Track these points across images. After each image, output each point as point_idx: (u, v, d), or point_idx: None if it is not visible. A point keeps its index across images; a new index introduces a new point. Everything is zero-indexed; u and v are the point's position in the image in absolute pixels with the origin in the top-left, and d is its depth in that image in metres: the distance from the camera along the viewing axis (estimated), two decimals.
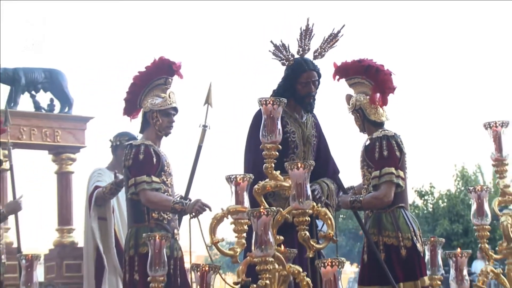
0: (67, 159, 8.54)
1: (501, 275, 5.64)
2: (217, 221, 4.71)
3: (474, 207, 5.75)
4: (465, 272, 5.64)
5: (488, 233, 5.74)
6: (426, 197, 28.08)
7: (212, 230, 4.71)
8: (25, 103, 8.49)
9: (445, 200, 28.49)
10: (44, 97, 8.65)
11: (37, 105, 8.60)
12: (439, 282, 6.12)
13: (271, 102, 4.69)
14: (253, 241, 4.48)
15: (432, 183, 28.70)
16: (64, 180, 8.55)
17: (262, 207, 4.56)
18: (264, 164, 4.74)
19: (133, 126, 7.12)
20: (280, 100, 4.74)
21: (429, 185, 28.42)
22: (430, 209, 27.68)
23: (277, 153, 4.73)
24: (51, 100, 8.67)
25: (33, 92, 8.57)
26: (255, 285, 4.50)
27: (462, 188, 28.67)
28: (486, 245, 5.68)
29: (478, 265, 9.97)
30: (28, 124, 8.29)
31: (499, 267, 5.85)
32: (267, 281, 4.45)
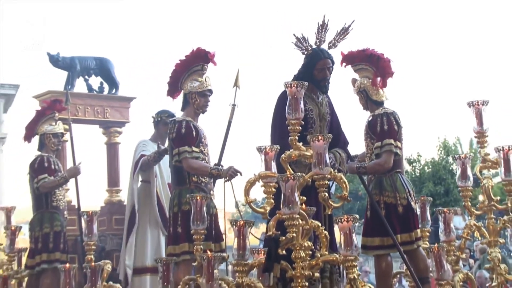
0: (115, 132, 8.48)
1: (482, 228, 5.62)
2: (250, 184, 4.70)
3: (459, 172, 5.70)
4: (452, 225, 5.61)
5: (471, 193, 5.71)
6: (414, 164, 28.16)
7: (247, 191, 4.68)
8: (80, 86, 8.42)
9: (430, 166, 28.67)
10: (95, 81, 8.60)
11: (89, 88, 8.54)
12: (427, 234, 6.12)
13: (295, 85, 4.68)
14: (281, 201, 4.46)
15: (419, 152, 28.93)
16: (112, 150, 8.50)
17: (289, 172, 4.53)
18: (289, 137, 4.70)
19: (169, 105, 7.10)
20: (303, 83, 4.71)
21: (417, 154, 28.59)
22: (418, 174, 27.73)
23: (300, 127, 4.70)
24: (101, 83, 8.61)
25: (86, 77, 8.52)
26: (283, 237, 4.47)
27: (444, 156, 28.91)
28: (469, 203, 5.64)
29: (456, 221, 9.90)
30: (83, 103, 8.24)
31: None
32: (294, 234, 4.43)
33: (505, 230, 5.66)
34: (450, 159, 28.83)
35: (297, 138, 4.67)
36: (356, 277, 4.43)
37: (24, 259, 7.10)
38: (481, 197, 5.81)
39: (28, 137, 7.39)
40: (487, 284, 6.22)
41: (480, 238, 6.11)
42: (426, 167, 28.50)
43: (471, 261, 12.35)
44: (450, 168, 28.41)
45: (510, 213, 5.45)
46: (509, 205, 5.50)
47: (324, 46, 5.52)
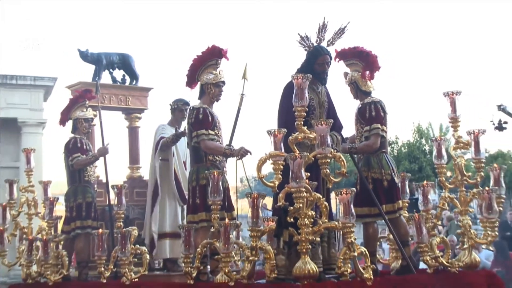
0: (135, 117, 8.38)
1: (455, 199, 5.63)
2: (262, 162, 4.70)
3: (435, 151, 5.70)
4: (429, 196, 5.62)
5: (445, 170, 5.72)
6: (392, 145, 28.33)
7: (259, 168, 4.66)
8: (105, 78, 8.32)
9: (406, 147, 29.17)
10: (118, 74, 8.46)
11: (113, 79, 8.42)
12: (406, 204, 6.13)
13: (301, 77, 4.65)
14: (290, 176, 4.44)
15: (396, 135, 29.26)
16: (133, 133, 8.41)
17: (296, 152, 4.51)
18: (295, 122, 4.67)
19: (183, 94, 7.05)
20: (308, 76, 4.70)
21: (395, 136, 28.92)
22: (395, 154, 27.91)
23: (305, 113, 4.69)
24: (123, 75, 8.49)
25: (111, 70, 8.40)
26: (291, 207, 4.47)
27: (418, 139, 29.28)
28: (443, 178, 5.65)
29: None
30: (108, 92, 8.12)
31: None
32: (301, 205, 4.42)
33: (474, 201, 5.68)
34: (423, 141, 29.17)
35: (302, 122, 4.65)
36: (353, 241, 4.44)
37: (60, 226, 7.07)
38: (449, 173, 5.83)
39: (63, 122, 7.34)
40: (457, 247, 6.24)
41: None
42: (402, 148, 28.94)
43: (440, 227, 12.42)
44: (423, 149, 28.75)
45: (479, 187, 5.47)
46: (478, 180, 5.52)
47: (324, 43, 5.51)
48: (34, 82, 25.19)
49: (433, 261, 5.26)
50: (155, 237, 6.84)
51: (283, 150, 4.64)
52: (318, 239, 4.72)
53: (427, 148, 28.82)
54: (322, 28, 5.38)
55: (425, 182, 5.60)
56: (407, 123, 30.69)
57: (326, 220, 4.63)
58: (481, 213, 5.38)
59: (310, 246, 4.50)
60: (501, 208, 5.59)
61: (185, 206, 6.89)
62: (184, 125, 6.99)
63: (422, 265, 5.74)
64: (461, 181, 5.50)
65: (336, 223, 4.56)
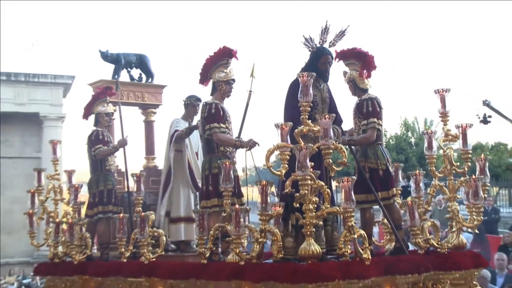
0: (151, 112, 8.38)
1: (443, 187, 5.64)
2: (270, 153, 4.70)
3: (426, 144, 5.69)
4: (421, 184, 5.63)
5: (435, 160, 5.73)
6: None
7: (267, 158, 4.67)
8: (123, 76, 8.32)
9: (394, 139, 29.03)
10: (135, 72, 8.46)
11: (131, 77, 8.42)
12: (398, 191, 6.13)
13: (306, 76, 4.65)
14: (296, 165, 4.46)
15: (385, 128, 28.83)
16: (148, 126, 8.41)
17: (302, 143, 4.52)
18: (301, 116, 4.68)
19: (195, 91, 7.06)
20: (312, 74, 4.70)
21: (384, 129, 28.75)
22: (384, 145, 27.87)
23: (309, 108, 4.69)
24: (140, 74, 8.48)
25: (128, 69, 8.40)
26: (297, 194, 4.48)
27: (404, 132, 29.24)
28: (433, 167, 5.66)
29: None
30: (126, 89, 8.12)
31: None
32: (306, 191, 4.44)
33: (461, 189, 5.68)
34: (409, 134, 29.15)
35: (307, 116, 4.66)
36: (353, 224, 4.46)
37: (84, 210, 7.10)
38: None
39: (86, 116, 7.36)
40: (446, 230, 6.25)
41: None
42: (390, 140, 28.87)
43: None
44: (409, 141, 28.73)
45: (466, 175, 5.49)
46: (466, 169, 5.53)
47: (326, 45, 5.50)
48: (54, 80, 25.45)
49: (424, 242, 5.28)
50: (162, 220, 6.87)
51: (289, 142, 4.65)
52: (321, 222, 4.74)
53: (413, 140, 28.90)
54: (325, 31, 5.38)
55: (417, 171, 5.61)
56: (394, 118, 30.68)
57: (329, 206, 4.64)
58: (468, 200, 5.40)
59: (314, 229, 4.52)
60: (486, 195, 5.62)
61: (197, 193, 6.93)
62: (196, 119, 7.01)
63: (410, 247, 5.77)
64: (450, 170, 5.51)
65: (338, 208, 4.57)
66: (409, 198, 5.50)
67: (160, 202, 7.12)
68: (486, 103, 10.09)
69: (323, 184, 4.61)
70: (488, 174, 5.66)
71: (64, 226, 6.86)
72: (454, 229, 5.44)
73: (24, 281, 18.07)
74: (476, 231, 5.74)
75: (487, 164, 5.64)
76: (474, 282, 5.47)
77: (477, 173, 5.56)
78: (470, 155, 5.53)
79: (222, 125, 5.78)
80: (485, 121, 10.13)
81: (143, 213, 5.85)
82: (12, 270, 22.42)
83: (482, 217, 5.46)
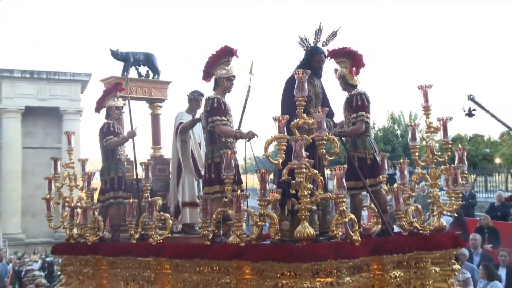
0: (157, 106, 8.29)
1: (426, 174, 5.58)
2: (268, 143, 4.64)
3: (410, 135, 5.63)
4: (405, 172, 5.57)
5: (418, 150, 5.66)
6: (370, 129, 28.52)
7: (266, 148, 4.60)
8: (132, 73, 8.20)
9: (381, 131, 28.98)
10: (143, 70, 8.35)
11: (139, 74, 8.31)
12: (385, 178, 6.07)
13: (302, 73, 4.57)
14: (292, 155, 4.38)
15: (374, 121, 28.88)
16: (155, 119, 8.32)
17: (298, 135, 4.44)
18: (297, 109, 4.60)
19: (198, 86, 6.95)
20: (307, 71, 4.62)
21: (372, 122, 28.73)
22: (372, 137, 27.94)
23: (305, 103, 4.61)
24: (147, 71, 8.38)
25: (137, 66, 8.29)
26: (293, 181, 4.41)
27: (391, 124, 29.18)
28: (417, 157, 5.59)
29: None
30: (135, 85, 8.02)
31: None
32: (301, 179, 4.37)
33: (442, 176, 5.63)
34: (395, 127, 29.10)
35: (302, 110, 4.58)
36: (345, 209, 4.39)
37: (96, 196, 7.02)
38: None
39: (98, 109, 7.27)
40: (427, 213, 6.20)
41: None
42: (378, 132, 28.87)
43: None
44: (396, 133, 28.67)
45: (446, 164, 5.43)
46: (446, 158, 5.47)
47: (319, 44, 5.42)
48: (72, 77, 25.88)
49: (408, 225, 5.23)
50: (180, 205, 6.78)
51: (286, 134, 4.57)
52: (314, 207, 4.66)
53: (399, 132, 28.86)
54: (318, 32, 5.31)
55: (401, 160, 5.55)
56: (382, 111, 30.67)
57: (322, 192, 4.58)
58: (448, 186, 5.35)
59: (308, 213, 4.45)
60: (464, 182, 5.56)
61: (200, 180, 6.85)
62: (199, 112, 6.92)
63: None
64: (432, 159, 5.45)
65: (330, 194, 4.50)
66: (394, 185, 5.41)
67: (176, 189, 6.98)
68: (471, 98, 10.03)
69: (317, 172, 4.55)
70: (466, 163, 5.59)
71: (79, 210, 6.79)
72: (435, 213, 5.39)
73: (47, 259, 18.22)
74: (455, 214, 5.69)
75: (465, 153, 5.58)
76: (452, 261, 5.43)
77: (456, 162, 5.50)
78: (450, 146, 5.48)
79: (223, 118, 5.70)
80: (470, 114, 10.08)
81: (150, 199, 5.77)
82: (36, 249, 22.68)
83: (460, 202, 5.41)
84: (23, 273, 14.84)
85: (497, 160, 27.66)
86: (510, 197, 14.67)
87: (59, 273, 11.75)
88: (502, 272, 9.17)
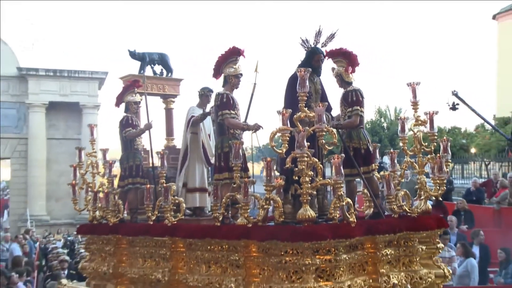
0: (170, 101, 8.25)
1: (414, 163, 5.57)
2: (273, 135, 4.60)
3: (399, 127, 5.60)
4: (395, 161, 5.56)
5: (407, 141, 5.64)
6: None
7: (271, 139, 4.57)
8: (148, 71, 8.15)
9: (369, 124, 28.92)
10: (158, 68, 8.30)
11: (154, 72, 8.27)
12: (377, 166, 6.05)
13: (303, 71, 4.55)
14: (295, 145, 4.37)
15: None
16: (168, 112, 8.29)
17: (300, 127, 4.42)
18: (299, 104, 4.58)
19: (208, 83, 6.93)
20: (308, 69, 4.59)
21: None
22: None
23: (306, 98, 4.59)
24: (161, 70, 8.34)
25: (152, 65, 8.25)
26: (296, 168, 4.40)
27: (378, 118, 29.09)
28: (406, 147, 5.58)
29: (386, 158, 9.79)
30: (150, 82, 7.98)
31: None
32: (303, 166, 4.35)
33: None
34: (382, 120, 29.03)
35: (304, 104, 4.56)
36: (342, 194, 4.39)
37: (116, 182, 7.02)
38: (401, 144, 5.70)
39: (117, 104, 7.26)
40: (414, 198, 6.19)
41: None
42: (367, 125, 28.65)
43: None
44: (382, 125, 28.60)
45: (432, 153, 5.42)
46: (432, 148, 5.46)
47: (319, 45, 5.38)
48: (91, 75, 26.13)
49: (398, 208, 5.23)
50: (179, 190, 6.77)
51: (289, 126, 4.55)
52: (314, 192, 4.66)
53: (385, 125, 28.84)
54: (318, 34, 5.28)
55: (391, 150, 5.54)
56: (370, 106, 30.63)
57: (321, 178, 4.57)
58: (433, 173, 5.34)
59: (309, 198, 4.45)
60: (448, 170, 5.55)
61: (209, 168, 6.84)
62: (209, 106, 6.90)
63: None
64: (419, 149, 5.45)
65: (329, 180, 4.49)
66: (386, 172, 5.39)
67: (178, 175, 7.01)
68: (455, 93, 10.02)
69: (317, 160, 4.53)
70: (450, 152, 5.59)
71: (101, 195, 6.80)
72: (422, 197, 5.39)
73: (69, 238, 18.43)
74: (440, 198, 5.69)
75: (449, 144, 5.57)
76: (437, 240, 5.45)
77: (441, 151, 5.49)
78: (435, 137, 5.46)
79: (232, 111, 5.68)
80: (453, 108, 10.08)
81: (166, 184, 5.76)
82: (59, 229, 22.92)
83: (445, 187, 5.41)
84: (48, 250, 14.94)
85: (473, 150, 27.73)
86: (484, 183, 14.73)
87: (80, 250, 11.86)
88: (476, 250, 9.25)
